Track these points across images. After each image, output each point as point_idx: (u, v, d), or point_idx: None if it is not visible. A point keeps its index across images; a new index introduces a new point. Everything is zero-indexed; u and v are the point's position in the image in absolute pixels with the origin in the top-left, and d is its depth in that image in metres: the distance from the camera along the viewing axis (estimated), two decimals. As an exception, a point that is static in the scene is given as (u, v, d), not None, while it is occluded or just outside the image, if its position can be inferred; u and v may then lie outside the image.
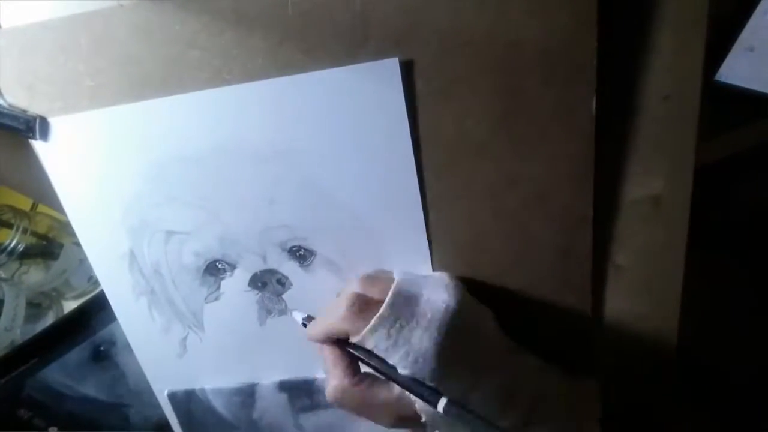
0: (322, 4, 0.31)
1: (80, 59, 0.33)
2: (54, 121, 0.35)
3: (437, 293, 0.33)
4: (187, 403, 0.44)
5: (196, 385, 0.43)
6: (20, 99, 0.35)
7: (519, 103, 0.32)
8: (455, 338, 0.31)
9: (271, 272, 0.38)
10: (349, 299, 0.32)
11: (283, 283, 0.39)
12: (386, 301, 0.31)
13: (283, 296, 0.39)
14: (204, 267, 0.39)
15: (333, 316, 0.32)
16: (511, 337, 0.39)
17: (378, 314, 0.31)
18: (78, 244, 0.39)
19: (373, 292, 0.33)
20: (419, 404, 0.31)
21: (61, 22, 0.32)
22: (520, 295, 0.38)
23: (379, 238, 0.36)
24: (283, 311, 0.40)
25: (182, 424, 0.45)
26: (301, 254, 0.37)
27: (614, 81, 0.33)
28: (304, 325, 0.37)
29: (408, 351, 0.30)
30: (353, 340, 0.32)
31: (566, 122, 0.33)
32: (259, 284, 0.39)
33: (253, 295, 0.39)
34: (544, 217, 0.35)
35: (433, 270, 0.37)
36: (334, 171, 0.35)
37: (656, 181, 0.36)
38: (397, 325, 0.31)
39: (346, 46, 0.31)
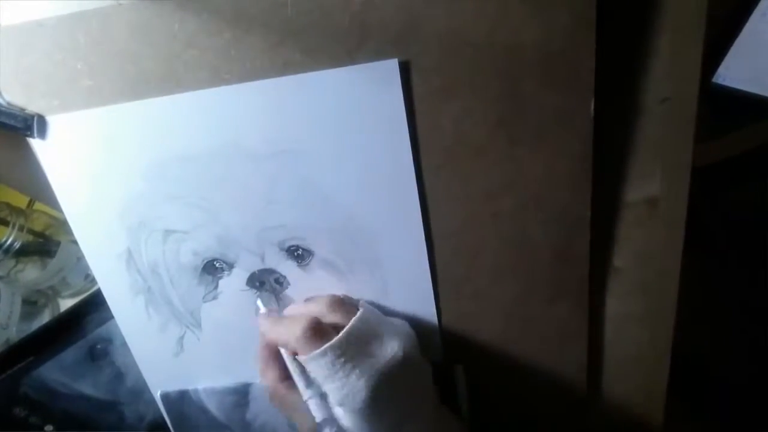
0: (321, 4, 0.31)
1: (78, 58, 0.33)
2: (52, 120, 0.35)
3: (390, 339, 0.34)
4: (179, 403, 0.44)
5: (193, 385, 0.43)
6: (18, 97, 0.34)
7: (517, 105, 0.32)
8: (391, 386, 0.33)
9: (269, 272, 0.38)
10: (308, 324, 0.33)
11: (280, 282, 0.39)
12: (341, 335, 0.32)
13: (281, 296, 0.39)
14: (202, 266, 0.39)
15: (288, 333, 0.33)
16: (508, 338, 0.40)
17: (329, 344, 0.32)
18: (75, 242, 0.39)
19: (335, 318, 0.34)
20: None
21: (59, 21, 0.32)
22: (518, 297, 0.38)
23: (376, 238, 0.36)
24: (281, 310, 0.40)
25: (174, 425, 0.45)
26: (299, 254, 0.38)
27: (612, 83, 0.33)
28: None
29: (343, 385, 0.32)
30: (299, 358, 0.33)
31: (564, 124, 0.33)
32: (257, 283, 0.39)
33: (251, 295, 0.39)
34: (542, 218, 0.35)
35: (431, 270, 0.37)
36: (333, 171, 0.35)
37: (653, 184, 0.36)
38: (342, 359, 0.32)
39: (345, 46, 0.31)
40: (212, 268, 0.39)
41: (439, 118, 0.33)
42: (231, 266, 0.39)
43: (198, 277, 0.39)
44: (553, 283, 0.38)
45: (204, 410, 0.44)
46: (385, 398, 0.33)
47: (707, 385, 0.72)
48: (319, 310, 0.35)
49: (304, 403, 0.33)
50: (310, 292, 0.39)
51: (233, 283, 0.39)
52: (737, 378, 0.71)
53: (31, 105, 0.35)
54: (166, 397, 0.44)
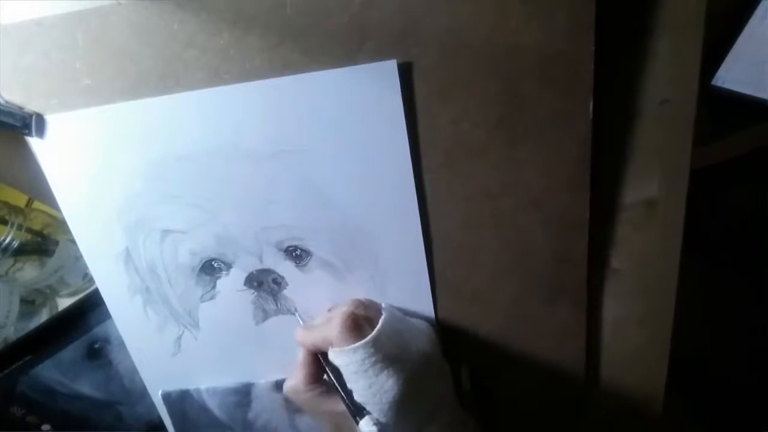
0: (320, 5, 0.31)
1: (77, 57, 0.33)
2: (50, 119, 0.35)
3: (417, 341, 0.35)
4: (181, 403, 0.44)
5: (190, 385, 0.43)
6: (17, 96, 0.34)
7: (516, 107, 0.32)
8: (417, 387, 0.34)
9: (267, 272, 0.38)
10: (346, 316, 0.34)
11: (278, 282, 0.39)
12: (375, 332, 0.33)
13: (279, 296, 0.39)
14: (200, 266, 0.39)
15: (328, 329, 0.34)
16: (506, 338, 0.39)
17: (367, 339, 0.33)
18: (74, 242, 0.39)
19: (366, 313, 0.35)
20: (361, 427, 0.34)
21: (58, 20, 0.32)
22: (517, 298, 0.38)
23: (375, 239, 0.36)
24: (279, 311, 0.40)
25: (176, 425, 0.45)
26: (297, 254, 0.37)
27: (612, 85, 0.33)
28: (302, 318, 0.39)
29: (372, 384, 0.32)
30: (332, 351, 0.34)
31: (563, 126, 0.33)
32: (255, 284, 0.39)
33: (249, 295, 0.39)
34: (540, 220, 0.35)
35: (429, 271, 0.37)
36: (332, 172, 0.35)
37: (652, 185, 0.36)
38: (374, 358, 0.32)
39: (344, 47, 0.31)
40: (210, 268, 0.39)
41: (437, 118, 0.33)
42: (229, 266, 0.39)
43: (196, 277, 0.39)
44: (552, 284, 0.38)
45: (205, 410, 0.44)
46: (410, 399, 0.33)
47: (707, 384, 0.72)
48: (348, 308, 0.35)
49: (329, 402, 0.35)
50: (308, 293, 0.39)
51: (231, 283, 0.39)
52: (736, 378, 0.71)
53: (30, 104, 0.35)
54: (167, 396, 0.44)
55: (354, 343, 0.32)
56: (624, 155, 0.36)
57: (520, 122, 0.33)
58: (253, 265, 0.38)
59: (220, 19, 0.31)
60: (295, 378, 0.36)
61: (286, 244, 0.37)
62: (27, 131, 0.35)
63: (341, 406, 0.35)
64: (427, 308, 0.38)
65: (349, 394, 0.33)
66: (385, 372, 0.32)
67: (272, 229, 0.37)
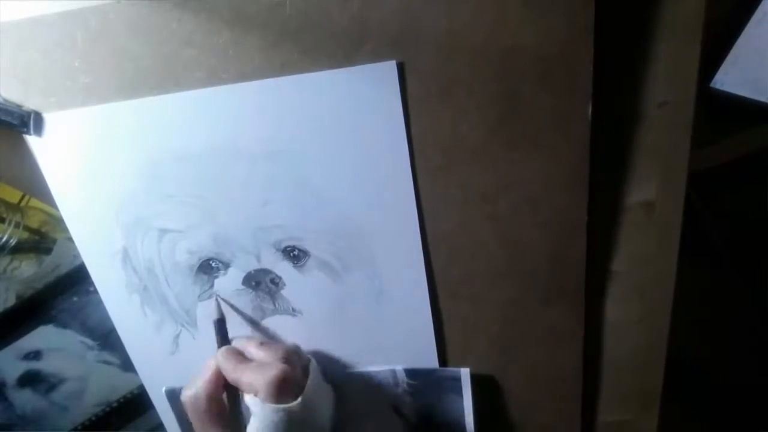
0: (319, 5, 0.31)
1: (76, 55, 0.33)
2: (48, 117, 0.35)
3: (324, 413, 0.38)
4: None
5: (172, 385, 0.43)
6: (15, 93, 0.34)
7: (515, 109, 0.32)
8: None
9: (265, 272, 0.38)
10: (280, 376, 0.34)
11: (276, 282, 0.39)
12: (298, 401, 0.34)
13: (277, 296, 0.39)
14: (197, 265, 0.39)
15: (259, 379, 0.34)
16: (504, 340, 0.39)
17: (290, 405, 0.34)
18: (71, 240, 0.39)
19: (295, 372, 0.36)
20: None
21: (57, 18, 0.32)
22: (514, 299, 0.38)
23: (372, 240, 0.36)
24: (277, 310, 0.40)
25: (181, 421, 0.45)
26: (295, 254, 0.37)
27: (610, 87, 0.33)
28: (221, 332, 0.39)
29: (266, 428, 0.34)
30: (249, 399, 0.35)
31: (562, 128, 0.33)
32: (253, 283, 0.39)
33: (247, 294, 0.39)
34: (538, 221, 0.36)
35: (427, 272, 0.37)
36: (330, 172, 0.35)
37: (650, 187, 0.36)
38: (287, 423, 0.34)
39: (343, 47, 0.31)
40: (208, 268, 0.39)
41: (436, 120, 0.33)
42: (227, 266, 0.39)
43: (193, 276, 0.39)
44: (550, 286, 0.38)
45: None
46: None
47: (705, 387, 0.72)
48: (282, 361, 0.36)
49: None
50: (305, 293, 0.39)
51: (229, 282, 0.39)
52: (735, 380, 0.71)
53: (28, 102, 0.35)
54: (171, 393, 0.44)
55: (277, 402, 0.34)
56: (622, 157, 0.36)
57: (519, 124, 0.33)
58: (251, 265, 0.38)
59: (219, 19, 0.31)
60: (200, 390, 0.36)
61: (284, 244, 0.37)
62: (25, 129, 0.35)
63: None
64: (424, 308, 0.38)
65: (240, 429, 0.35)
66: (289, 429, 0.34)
67: (270, 229, 0.37)
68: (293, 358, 0.37)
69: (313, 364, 0.38)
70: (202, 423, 0.36)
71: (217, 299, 0.39)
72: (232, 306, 0.40)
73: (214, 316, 0.39)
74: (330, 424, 0.38)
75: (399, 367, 0.41)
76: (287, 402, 0.34)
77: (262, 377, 0.34)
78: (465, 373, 0.40)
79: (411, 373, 0.41)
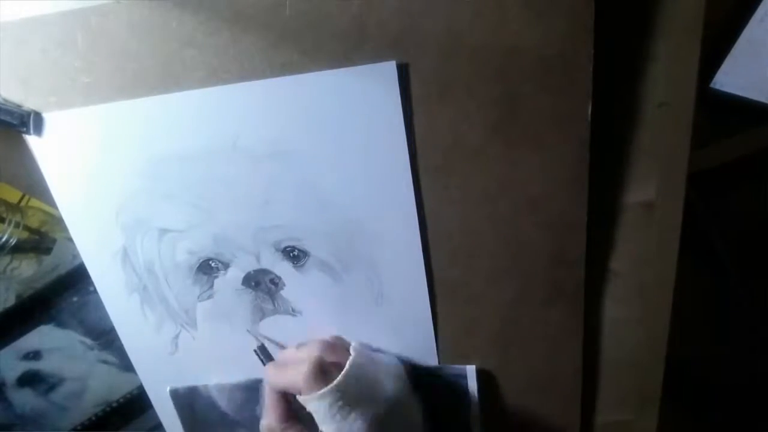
0: (319, 5, 0.31)
1: (76, 55, 0.33)
2: (48, 117, 0.35)
3: (386, 382, 0.36)
4: (189, 399, 0.44)
5: (187, 383, 0.43)
6: (15, 93, 0.34)
7: (515, 109, 0.32)
8: (385, 428, 0.34)
9: (265, 272, 0.38)
10: (314, 364, 0.34)
11: (276, 283, 0.39)
12: (340, 378, 0.34)
13: (276, 296, 0.39)
14: (197, 265, 0.39)
15: (295, 375, 0.34)
16: (504, 340, 0.39)
17: (332, 385, 0.33)
18: (71, 240, 0.39)
19: (332, 358, 0.36)
20: None
21: (57, 18, 0.32)
22: (514, 299, 0.38)
23: (373, 240, 0.36)
24: (277, 311, 0.40)
25: (184, 421, 0.45)
26: (294, 255, 0.37)
27: (610, 88, 0.33)
28: (265, 355, 0.40)
29: (340, 428, 0.33)
30: (300, 398, 0.34)
31: (561, 128, 0.33)
32: (253, 283, 0.39)
33: (246, 295, 0.39)
34: (538, 222, 0.36)
35: (427, 272, 0.37)
36: (330, 173, 0.35)
37: (650, 188, 0.36)
38: (341, 402, 0.33)
39: (343, 47, 0.31)
40: (207, 268, 0.39)
41: (436, 120, 0.33)
42: (226, 266, 0.38)
43: (193, 276, 0.39)
44: (550, 286, 0.38)
45: (214, 406, 0.44)
46: None
47: (705, 387, 0.72)
48: (316, 352, 0.36)
49: None
50: (305, 293, 0.39)
51: (228, 282, 0.39)
52: (735, 381, 0.71)
53: (28, 101, 0.35)
54: (175, 393, 0.44)
55: (320, 389, 0.33)
56: (622, 158, 0.36)
57: (519, 124, 0.33)
58: (251, 265, 0.38)
59: (220, 19, 0.31)
60: (269, 418, 0.37)
61: (283, 245, 0.37)
62: (25, 129, 0.35)
63: None
64: (424, 309, 0.38)
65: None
66: (352, 415, 0.33)
67: (270, 229, 0.37)
68: (331, 346, 0.37)
69: (356, 344, 0.38)
70: None
71: (249, 333, 0.40)
72: (265, 336, 0.41)
73: (254, 345, 0.40)
74: (402, 389, 0.37)
75: (405, 364, 0.41)
76: None
77: (298, 373, 0.34)
78: (471, 370, 0.40)
79: (416, 370, 0.41)
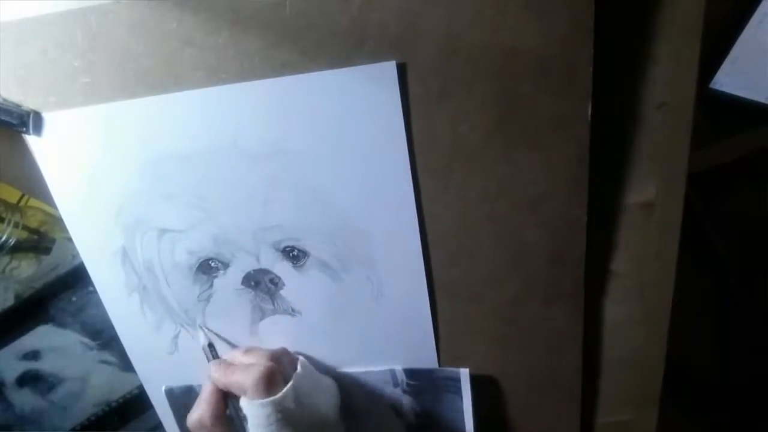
0: (319, 5, 0.31)
1: (76, 55, 0.33)
2: (48, 117, 0.35)
3: (323, 402, 0.38)
4: (184, 399, 0.44)
5: (187, 383, 0.43)
6: (14, 93, 0.34)
7: (514, 109, 0.32)
8: None
9: (264, 272, 0.38)
10: (265, 371, 0.35)
11: (275, 283, 0.39)
12: (288, 388, 0.35)
13: (276, 296, 0.39)
14: (197, 265, 0.39)
15: (244, 378, 0.35)
16: (503, 340, 0.39)
17: (278, 396, 0.34)
18: (71, 240, 0.39)
19: (279, 369, 0.36)
20: None
21: (57, 17, 0.32)
22: (514, 299, 0.38)
23: (372, 240, 0.36)
24: (276, 310, 0.40)
25: (179, 421, 0.45)
26: (294, 255, 0.37)
27: (610, 88, 0.33)
28: (213, 353, 0.40)
29: None
30: (243, 401, 0.35)
31: (561, 128, 0.33)
32: (252, 283, 0.39)
33: (246, 294, 0.39)
34: (538, 222, 0.36)
35: (427, 272, 0.37)
36: (329, 173, 0.35)
37: (650, 188, 0.36)
38: (280, 414, 0.34)
39: (343, 48, 0.31)
40: (207, 268, 0.39)
41: (436, 120, 0.33)
42: (226, 266, 0.38)
43: (193, 276, 0.39)
44: (549, 286, 0.38)
45: None
46: None
47: (705, 387, 0.72)
48: (265, 360, 0.37)
49: None
50: (305, 293, 0.39)
51: (228, 282, 0.39)
52: (735, 381, 0.71)
53: (28, 101, 0.34)
54: (170, 392, 0.44)
55: (265, 397, 0.34)
56: (622, 158, 0.36)
57: (519, 124, 0.33)
58: (251, 265, 0.38)
59: (219, 18, 0.31)
60: (202, 412, 0.37)
61: (283, 245, 0.37)
62: (24, 129, 0.35)
63: None
64: (423, 309, 0.38)
65: None
66: (286, 429, 0.34)
67: (269, 229, 0.37)
68: (279, 357, 0.38)
69: (303, 360, 0.39)
70: None
71: (200, 329, 0.40)
72: (216, 334, 0.41)
73: (203, 342, 0.40)
74: (333, 411, 0.38)
75: (398, 367, 0.41)
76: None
77: (248, 376, 0.35)
78: (464, 373, 0.40)
79: (410, 373, 0.41)
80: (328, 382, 0.40)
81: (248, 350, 0.39)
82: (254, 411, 0.34)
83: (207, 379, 0.38)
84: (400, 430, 0.44)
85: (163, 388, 0.44)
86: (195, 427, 0.37)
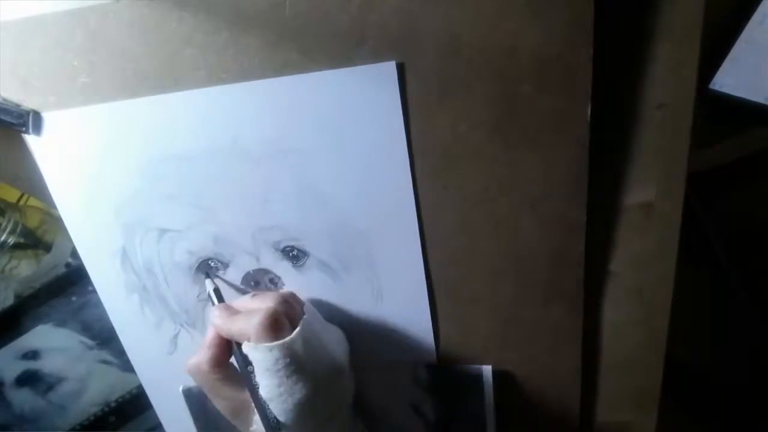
0: (319, 5, 0.31)
1: (75, 55, 0.33)
2: (48, 116, 0.35)
3: (331, 347, 0.36)
4: (202, 399, 0.43)
5: (186, 384, 0.43)
6: (14, 93, 0.34)
7: (514, 109, 0.32)
8: (322, 393, 0.34)
9: (264, 272, 0.38)
10: (269, 314, 0.33)
11: (275, 282, 0.39)
12: (296, 332, 0.33)
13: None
14: (196, 265, 0.39)
15: (248, 322, 0.33)
16: (502, 340, 0.39)
17: (285, 340, 0.32)
18: (70, 240, 0.39)
19: (287, 312, 0.35)
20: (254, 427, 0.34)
21: (57, 17, 0.32)
22: (513, 300, 0.38)
23: (372, 240, 0.36)
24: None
25: (196, 420, 0.45)
26: (294, 255, 0.37)
27: (609, 89, 0.33)
28: (218, 297, 0.37)
29: (281, 383, 0.32)
30: (246, 346, 0.33)
31: (561, 129, 0.33)
32: (252, 283, 0.39)
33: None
34: (537, 222, 0.36)
35: (426, 272, 0.37)
36: (329, 173, 0.35)
37: (649, 189, 0.36)
38: (288, 359, 0.32)
39: (343, 47, 0.31)
40: (207, 268, 0.39)
41: (435, 120, 0.33)
42: (226, 266, 0.39)
43: (193, 276, 0.39)
44: (549, 287, 0.38)
45: None
46: (314, 403, 0.33)
47: (704, 388, 0.72)
48: (271, 303, 0.35)
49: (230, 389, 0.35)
50: (304, 293, 0.39)
51: (228, 282, 0.39)
52: (734, 381, 0.71)
53: (27, 101, 0.35)
54: (188, 392, 0.43)
55: (272, 341, 0.32)
56: (621, 158, 0.36)
57: (518, 124, 0.33)
58: (250, 265, 0.38)
59: (219, 18, 0.31)
60: (201, 357, 0.35)
61: (283, 245, 0.37)
62: (24, 129, 0.35)
63: (243, 394, 0.34)
64: (423, 309, 0.38)
65: (254, 387, 0.33)
66: (296, 375, 0.32)
67: (269, 229, 0.37)
68: (286, 300, 0.36)
69: (309, 305, 0.37)
70: (211, 388, 0.35)
71: (207, 277, 0.38)
72: (223, 280, 0.39)
73: (209, 288, 0.38)
74: (344, 359, 0.37)
75: (420, 365, 0.41)
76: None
77: (251, 321, 0.33)
78: (487, 370, 0.40)
79: (431, 370, 0.41)
80: (334, 329, 0.38)
81: (254, 295, 0.37)
82: (261, 356, 0.32)
83: (212, 326, 0.36)
84: (419, 428, 0.44)
85: (181, 388, 0.43)
86: (193, 372, 0.35)
